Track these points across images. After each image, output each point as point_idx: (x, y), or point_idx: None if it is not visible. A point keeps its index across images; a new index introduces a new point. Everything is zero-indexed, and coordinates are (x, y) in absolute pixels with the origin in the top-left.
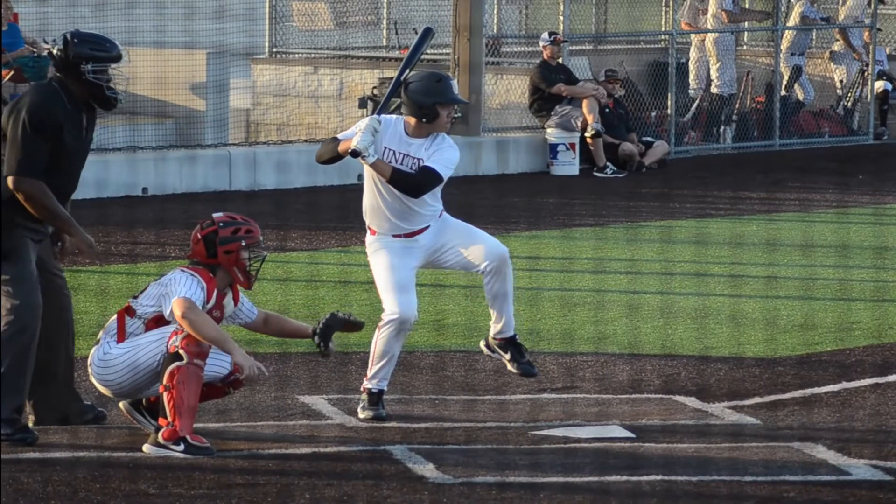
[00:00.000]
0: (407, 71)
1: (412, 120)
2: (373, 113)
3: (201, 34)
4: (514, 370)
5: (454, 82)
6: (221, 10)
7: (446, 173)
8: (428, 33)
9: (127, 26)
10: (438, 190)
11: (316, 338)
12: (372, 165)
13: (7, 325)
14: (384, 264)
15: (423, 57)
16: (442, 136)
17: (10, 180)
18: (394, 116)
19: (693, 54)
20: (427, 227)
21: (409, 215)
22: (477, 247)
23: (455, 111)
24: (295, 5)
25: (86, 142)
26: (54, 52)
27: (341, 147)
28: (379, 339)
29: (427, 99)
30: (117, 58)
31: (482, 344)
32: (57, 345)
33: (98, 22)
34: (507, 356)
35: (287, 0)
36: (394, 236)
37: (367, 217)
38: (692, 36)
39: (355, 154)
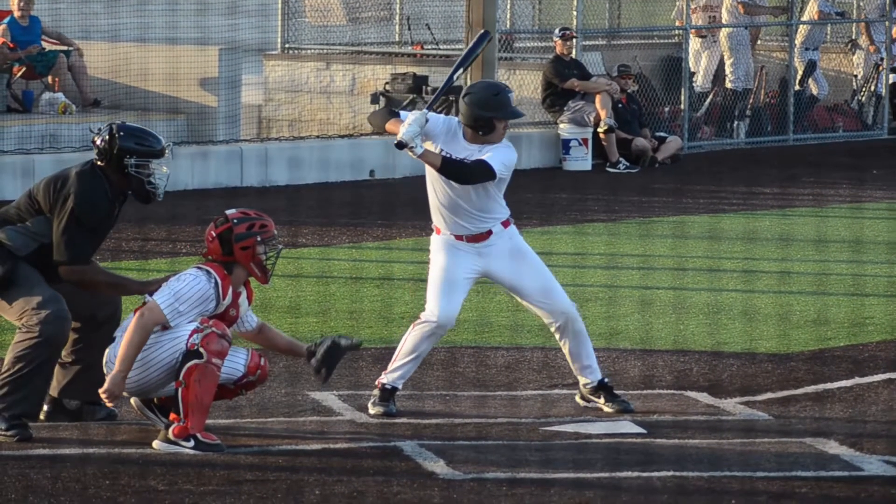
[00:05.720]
0: (460, 71)
1: (468, 129)
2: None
3: (213, 30)
4: (611, 409)
5: (512, 94)
6: (234, 6)
7: (500, 170)
8: (485, 37)
9: (139, 22)
10: (497, 194)
11: (315, 362)
12: (420, 156)
13: (35, 336)
14: (440, 263)
15: (437, 52)
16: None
17: (61, 270)
18: (455, 119)
19: (692, 54)
20: (490, 234)
21: (464, 214)
22: (545, 300)
23: None
24: (307, 1)
25: (111, 226)
26: (97, 142)
27: (390, 128)
28: (410, 336)
29: (484, 112)
30: (160, 153)
31: (577, 398)
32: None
33: (111, 18)
34: (602, 400)
35: None
36: (456, 237)
37: (432, 215)
38: (690, 33)
39: (401, 146)
